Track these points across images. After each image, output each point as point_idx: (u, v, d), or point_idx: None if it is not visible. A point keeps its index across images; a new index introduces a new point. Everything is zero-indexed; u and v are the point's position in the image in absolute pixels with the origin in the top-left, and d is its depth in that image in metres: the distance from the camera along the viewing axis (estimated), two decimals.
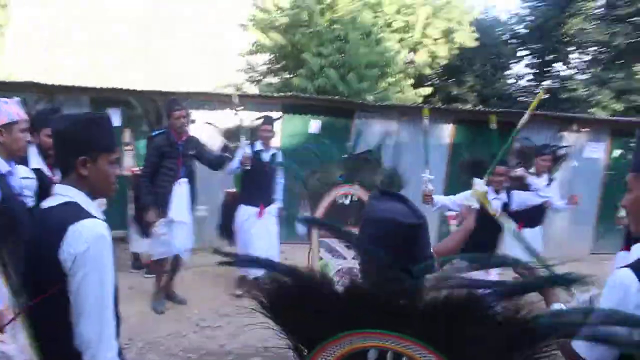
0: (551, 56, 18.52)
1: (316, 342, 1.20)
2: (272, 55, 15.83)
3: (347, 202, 3.20)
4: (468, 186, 3.81)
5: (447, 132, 9.65)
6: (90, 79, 11.22)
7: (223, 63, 21.04)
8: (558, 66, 18.87)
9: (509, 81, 19.20)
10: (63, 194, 1.91)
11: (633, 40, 13.63)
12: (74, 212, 1.85)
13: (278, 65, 15.98)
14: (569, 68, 18.55)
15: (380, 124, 9.33)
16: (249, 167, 6.15)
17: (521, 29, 19.05)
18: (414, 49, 15.20)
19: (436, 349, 1.12)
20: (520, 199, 6.16)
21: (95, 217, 1.87)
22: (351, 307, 1.16)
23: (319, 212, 3.11)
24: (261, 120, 6.57)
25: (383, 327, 1.13)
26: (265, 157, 6.46)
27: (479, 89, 17.01)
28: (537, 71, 19.26)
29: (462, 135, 9.66)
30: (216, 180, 7.21)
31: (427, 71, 15.94)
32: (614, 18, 14.12)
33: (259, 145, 6.44)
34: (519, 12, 19.46)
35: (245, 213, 6.44)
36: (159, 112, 6.15)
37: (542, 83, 19.20)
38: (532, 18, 18.64)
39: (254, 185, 6.41)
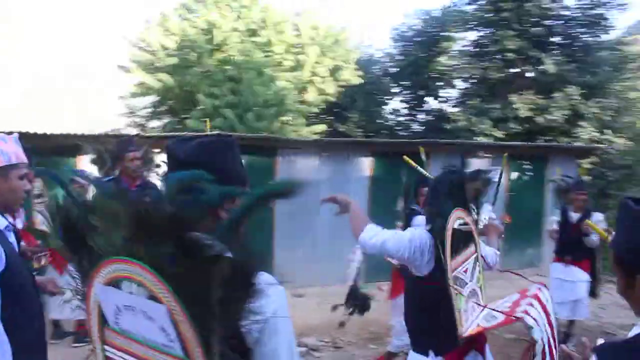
0: (423, 91, 19.72)
1: None
2: (157, 98, 15.22)
3: (460, 226, 3.01)
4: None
5: (366, 164, 9.80)
6: None
7: (102, 106, 19.89)
8: (431, 100, 20.15)
9: (389, 116, 20.09)
10: None
11: (504, 74, 14.89)
12: None
13: (163, 108, 15.39)
14: (440, 102, 19.86)
15: (303, 161, 9.27)
16: None
17: (394, 67, 20.11)
18: (304, 88, 15.37)
19: None
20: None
21: None
22: None
23: (448, 240, 2.86)
24: None
25: None
26: None
27: (363, 124, 17.58)
28: (411, 106, 20.37)
29: (380, 168, 9.84)
30: None
31: (316, 109, 16.19)
32: (485, 54, 15.34)
33: None
34: (391, 51, 20.59)
35: None
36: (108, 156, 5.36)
37: (417, 117, 20.42)
38: (402, 57, 19.81)
39: None
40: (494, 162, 10.75)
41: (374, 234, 2.90)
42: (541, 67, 13.90)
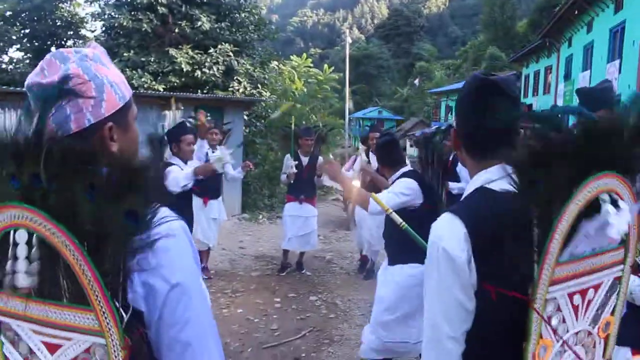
0: (49, 41, 18.00)
1: None
2: None
3: None
4: None
5: None
6: None
7: None
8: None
9: (8, 66, 17.66)
10: None
11: (157, 28, 14.92)
12: None
13: None
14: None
15: None
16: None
17: (8, 11, 17.68)
18: None
19: None
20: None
21: None
22: None
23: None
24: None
25: None
26: None
27: None
28: (34, 56, 18.34)
29: None
30: None
31: None
32: (133, 5, 14.97)
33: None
34: None
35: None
36: None
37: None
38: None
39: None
40: (183, 114, 11.05)
41: (381, 201, 3.68)
42: (197, 24, 14.51)
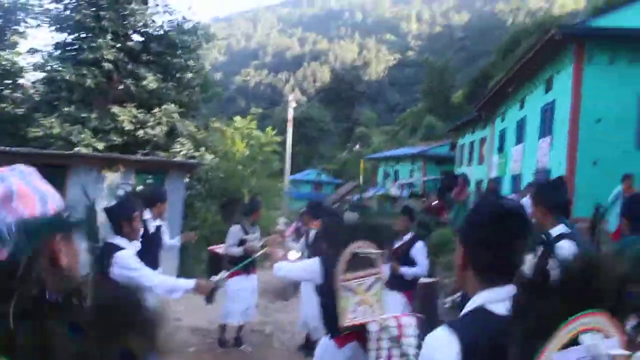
0: None
1: None
2: None
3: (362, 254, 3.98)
4: None
5: None
6: None
7: None
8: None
9: None
10: None
11: (101, 83, 14.61)
12: None
13: None
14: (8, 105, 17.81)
15: None
16: None
17: None
18: None
19: None
20: None
21: None
22: None
23: (342, 263, 3.97)
24: None
25: None
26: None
27: None
28: None
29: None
30: None
31: None
32: (77, 59, 14.66)
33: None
34: None
35: None
36: None
37: None
38: None
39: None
40: (125, 176, 10.73)
41: (281, 268, 4.48)
42: (142, 82, 14.32)
